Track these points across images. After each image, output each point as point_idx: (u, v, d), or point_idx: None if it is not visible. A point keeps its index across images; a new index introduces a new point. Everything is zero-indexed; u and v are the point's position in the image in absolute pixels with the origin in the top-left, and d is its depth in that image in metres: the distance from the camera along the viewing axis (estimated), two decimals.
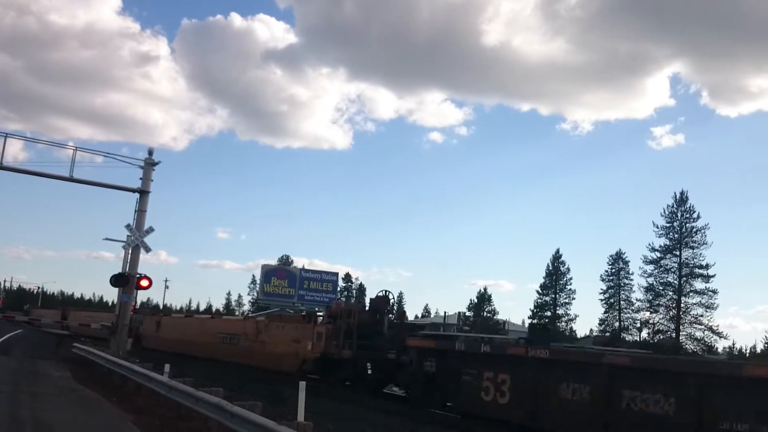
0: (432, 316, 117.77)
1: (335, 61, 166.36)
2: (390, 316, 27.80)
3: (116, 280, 28.25)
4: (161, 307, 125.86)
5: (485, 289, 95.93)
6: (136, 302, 40.36)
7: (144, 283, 28.08)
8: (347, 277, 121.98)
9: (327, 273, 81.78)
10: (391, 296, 30.02)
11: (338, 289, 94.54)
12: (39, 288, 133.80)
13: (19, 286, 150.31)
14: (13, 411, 13.61)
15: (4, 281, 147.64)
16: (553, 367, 16.27)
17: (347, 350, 26.11)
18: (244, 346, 33.20)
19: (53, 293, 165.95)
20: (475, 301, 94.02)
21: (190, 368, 22.99)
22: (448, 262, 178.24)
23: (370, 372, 24.84)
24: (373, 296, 29.58)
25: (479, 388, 18.22)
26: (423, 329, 29.07)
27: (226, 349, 34.77)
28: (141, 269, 28.79)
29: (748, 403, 12.13)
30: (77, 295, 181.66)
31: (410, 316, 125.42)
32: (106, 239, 28.97)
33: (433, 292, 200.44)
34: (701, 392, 12.93)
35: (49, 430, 11.92)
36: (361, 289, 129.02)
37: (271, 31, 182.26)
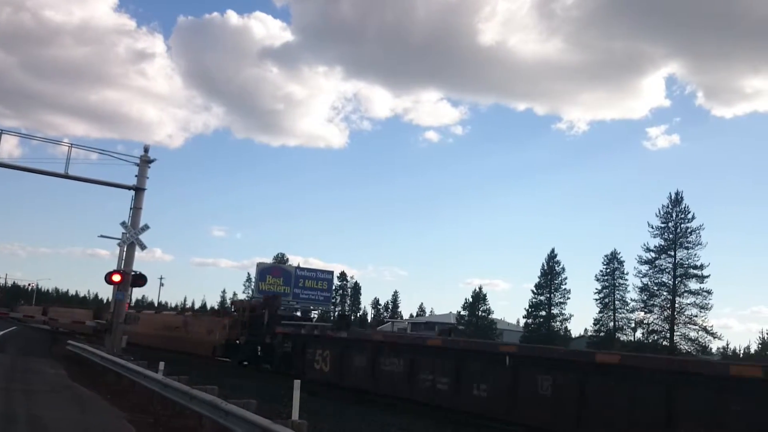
0: (427, 315, 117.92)
1: (332, 60, 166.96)
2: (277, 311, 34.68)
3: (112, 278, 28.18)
4: (156, 304, 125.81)
5: (480, 289, 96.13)
6: (131, 300, 40.40)
7: (116, 278, 27.75)
8: (342, 276, 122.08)
9: (322, 272, 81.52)
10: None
11: (333, 287, 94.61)
12: (33, 285, 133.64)
13: (14, 283, 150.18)
14: (7, 409, 13.58)
15: None
16: (348, 344, 24.72)
17: (243, 337, 33.81)
18: (177, 337, 41.43)
19: (48, 290, 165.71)
20: (470, 300, 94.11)
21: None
22: (443, 261, 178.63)
23: (260, 354, 32.10)
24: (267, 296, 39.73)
25: (314, 360, 26.34)
26: (291, 320, 34.90)
27: (168, 339, 42.16)
28: (136, 267, 28.82)
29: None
30: (72, 292, 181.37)
31: (405, 315, 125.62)
32: (102, 236, 29.05)
33: (428, 291, 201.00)
34: (414, 355, 20.98)
35: (43, 428, 11.89)
36: (357, 287, 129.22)
37: (267, 29, 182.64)
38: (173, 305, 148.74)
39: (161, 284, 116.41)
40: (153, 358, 21.75)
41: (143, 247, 28.88)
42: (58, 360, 27.27)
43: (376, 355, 22.73)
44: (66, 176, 28.10)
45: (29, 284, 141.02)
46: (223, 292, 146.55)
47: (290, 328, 30.50)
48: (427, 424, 17.73)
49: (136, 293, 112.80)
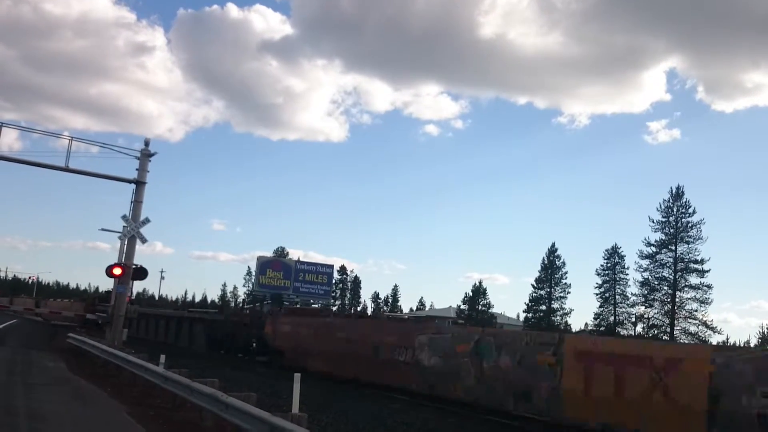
0: (427, 309, 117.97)
1: (331, 53, 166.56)
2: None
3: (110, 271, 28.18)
4: (157, 297, 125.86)
5: (480, 283, 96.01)
6: (132, 293, 40.52)
7: (117, 271, 27.83)
8: (342, 270, 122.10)
9: (322, 265, 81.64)
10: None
11: (333, 281, 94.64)
12: (34, 278, 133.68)
13: (14, 276, 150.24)
14: (7, 401, 13.58)
15: None
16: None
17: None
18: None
19: (49, 283, 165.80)
20: (470, 294, 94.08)
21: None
22: (443, 255, 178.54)
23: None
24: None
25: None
26: None
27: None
28: (137, 260, 28.78)
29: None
30: (72, 285, 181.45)
31: (405, 309, 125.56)
32: (103, 230, 29.13)
33: (428, 286, 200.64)
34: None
35: (42, 421, 11.88)
36: (357, 281, 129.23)
37: (267, 22, 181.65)
38: (174, 299, 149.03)
39: (162, 277, 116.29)
40: (153, 352, 21.82)
41: (144, 240, 28.89)
42: (58, 353, 27.29)
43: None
44: (67, 169, 28.04)
45: (30, 277, 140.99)
46: (224, 285, 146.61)
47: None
48: (423, 412, 17.74)
49: (137, 286, 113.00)
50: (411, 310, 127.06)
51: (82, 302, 64.81)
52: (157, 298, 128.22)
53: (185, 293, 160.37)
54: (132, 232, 28.26)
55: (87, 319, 49.00)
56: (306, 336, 29.96)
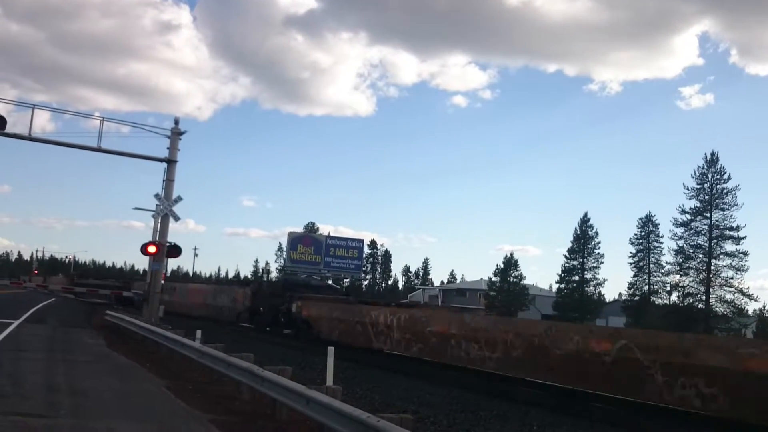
0: (458, 281, 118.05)
1: (355, 26, 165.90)
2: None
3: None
4: (191, 275, 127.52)
5: (511, 254, 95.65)
6: (167, 270, 41.18)
7: (151, 249, 28.29)
8: (372, 244, 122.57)
9: (352, 240, 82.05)
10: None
11: (364, 255, 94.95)
12: (70, 257, 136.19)
13: (51, 255, 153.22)
14: (49, 378, 13.88)
15: (36, 251, 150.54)
16: None
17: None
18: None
19: (85, 262, 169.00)
20: (502, 266, 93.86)
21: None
22: (473, 227, 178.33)
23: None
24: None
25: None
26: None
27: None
28: (170, 238, 29.12)
29: None
30: (108, 263, 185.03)
31: (436, 282, 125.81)
32: (136, 208, 29.68)
33: (459, 258, 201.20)
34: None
35: (84, 396, 12.13)
36: (387, 255, 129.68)
37: None
38: (207, 275, 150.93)
39: (195, 255, 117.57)
40: (190, 327, 22.16)
41: (177, 218, 29.19)
42: (96, 330, 27.79)
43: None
44: (99, 150, 28.35)
45: (66, 256, 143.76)
46: (256, 261, 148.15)
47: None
48: (455, 392, 17.79)
49: (171, 264, 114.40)
50: (442, 282, 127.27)
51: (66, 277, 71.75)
52: (191, 275, 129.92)
53: (218, 270, 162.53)
54: (165, 210, 28.56)
55: (123, 297, 49.90)
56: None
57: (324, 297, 33.24)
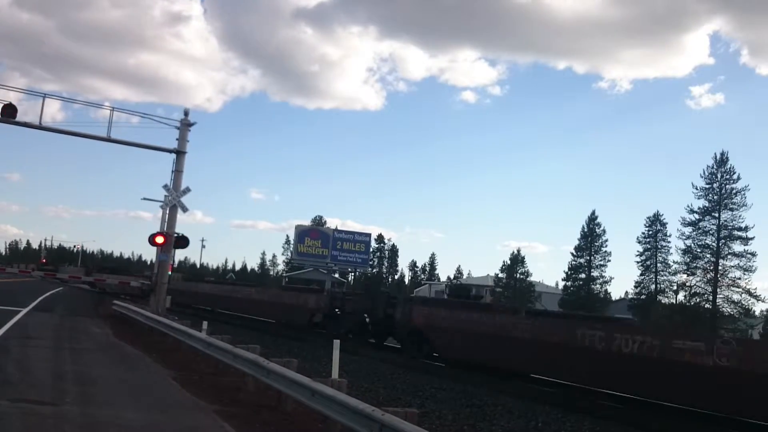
0: (465, 277, 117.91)
1: (365, 20, 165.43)
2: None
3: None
4: (198, 266, 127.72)
5: (518, 251, 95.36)
6: (174, 261, 41.21)
7: (159, 240, 28.23)
8: (380, 238, 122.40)
9: (360, 234, 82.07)
10: None
11: (371, 249, 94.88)
12: (78, 247, 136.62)
13: (60, 245, 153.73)
14: (57, 366, 13.97)
15: (45, 240, 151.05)
16: None
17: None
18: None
19: (93, 252, 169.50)
20: (508, 262, 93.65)
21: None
22: (481, 223, 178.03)
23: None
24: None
25: None
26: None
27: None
28: (178, 229, 29.15)
29: None
30: (116, 254, 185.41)
31: (442, 277, 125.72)
32: (145, 199, 29.65)
33: (465, 254, 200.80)
34: None
35: (91, 384, 12.21)
36: (394, 250, 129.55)
37: None
38: (214, 267, 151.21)
39: (203, 246, 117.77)
40: (196, 318, 22.24)
41: (185, 209, 29.20)
42: (103, 319, 27.93)
43: None
44: (109, 140, 28.39)
45: (74, 246, 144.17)
46: (263, 254, 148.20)
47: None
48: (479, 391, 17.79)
49: (179, 255, 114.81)
50: (448, 278, 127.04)
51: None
52: (198, 266, 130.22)
53: (225, 261, 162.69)
54: (173, 201, 28.61)
55: (130, 287, 50.14)
56: None
57: (448, 302, 28.23)
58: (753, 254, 64.45)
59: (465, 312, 22.52)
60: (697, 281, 67.11)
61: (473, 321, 21.44)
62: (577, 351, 16.86)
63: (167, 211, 28.95)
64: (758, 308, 72.05)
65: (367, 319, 27.56)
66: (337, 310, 29.88)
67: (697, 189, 67.08)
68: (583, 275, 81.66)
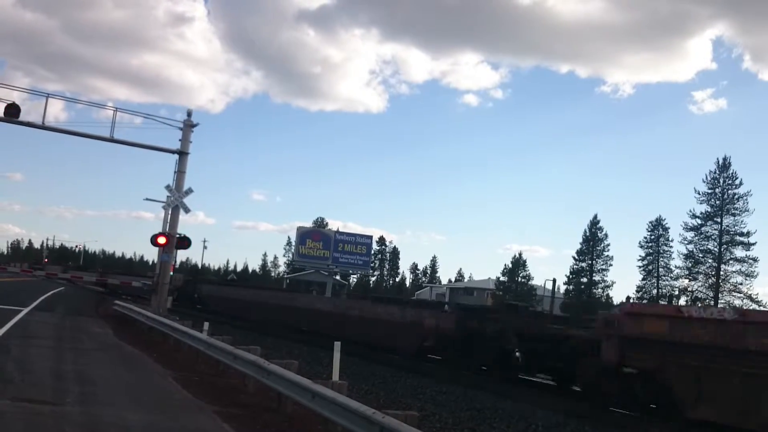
0: (466, 280, 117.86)
1: (368, 22, 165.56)
2: None
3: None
4: (199, 267, 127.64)
5: (520, 254, 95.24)
6: (176, 262, 41.23)
7: (161, 240, 28.26)
8: (381, 241, 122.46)
9: (361, 236, 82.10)
10: None
11: (372, 252, 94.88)
12: (80, 247, 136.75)
13: (62, 244, 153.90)
14: (57, 366, 13.96)
15: (47, 240, 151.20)
16: None
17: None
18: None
19: (95, 252, 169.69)
20: (510, 266, 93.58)
21: None
22: (482, 226, 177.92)
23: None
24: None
25: None
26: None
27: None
28: (180, 229, 29.16)
29: None
30: (118, 254, 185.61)
31: (443, 280, 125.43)
32: (147, 199, 29.60)
33: (467, 257, 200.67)
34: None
35: (91, 384, 12.21)
36: (395, 252, 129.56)
37: None
38: (216, 268, 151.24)
39: (204, 247, 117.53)
40: (198, 319, 22.24)
41: (187, 210, 29.25)
42: (104, 319, 27.93)
43: None
44: (112, 140, 28.44)
45: (76, 246, 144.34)
46: (264, 255, 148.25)
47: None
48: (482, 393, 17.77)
49: (180, 255, 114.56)
50: (450, 281, 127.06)
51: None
52: (199, 267, 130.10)
53: (227, 263, 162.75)
54: (175, 202, 28.63)
55: (133, 287, 50.18)
56: None
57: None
58: (755, 260, 64.59)
59: None
60: (698, 286, 67.20)
61: None
62: None
63: (169, 212, 28.97)
64: None
65: (516, 351, 19.89)
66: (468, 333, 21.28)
67: (699, 194, 67.19)
68: (584, 279, 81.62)
